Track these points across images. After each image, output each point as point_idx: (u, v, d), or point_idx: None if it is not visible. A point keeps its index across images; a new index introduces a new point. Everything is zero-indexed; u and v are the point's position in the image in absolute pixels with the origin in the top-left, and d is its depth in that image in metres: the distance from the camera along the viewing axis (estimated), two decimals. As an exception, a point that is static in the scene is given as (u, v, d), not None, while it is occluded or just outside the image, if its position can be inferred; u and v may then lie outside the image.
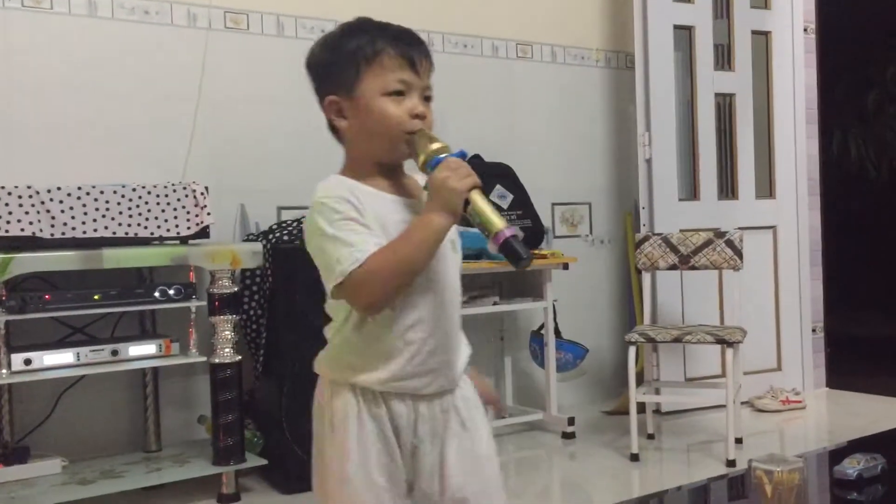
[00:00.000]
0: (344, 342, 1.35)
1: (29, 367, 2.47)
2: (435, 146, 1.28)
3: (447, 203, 1.24)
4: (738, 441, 3.20)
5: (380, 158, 1.35)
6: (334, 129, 1.40)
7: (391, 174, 1.36)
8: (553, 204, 4.01)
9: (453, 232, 1.35)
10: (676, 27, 3.90)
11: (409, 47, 1.33)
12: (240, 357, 2.72)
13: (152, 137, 3.02)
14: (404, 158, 1.34)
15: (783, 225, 4.13)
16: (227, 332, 2.69)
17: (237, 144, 3.17)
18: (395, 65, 1.31)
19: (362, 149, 1.36)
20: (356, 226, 1.25)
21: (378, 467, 1.32)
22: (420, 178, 1.35)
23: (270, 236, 2.95)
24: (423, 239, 1.24)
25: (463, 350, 1.39)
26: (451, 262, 1.35)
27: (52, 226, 2.47)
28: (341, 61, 1.34)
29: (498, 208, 1.33)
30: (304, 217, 3.19)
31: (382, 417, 1.32)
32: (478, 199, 1.23)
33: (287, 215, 3.18)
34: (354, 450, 1.32)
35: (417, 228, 1.25)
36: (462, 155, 1.27)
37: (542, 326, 3.60)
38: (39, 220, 2.45)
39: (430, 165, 1.27)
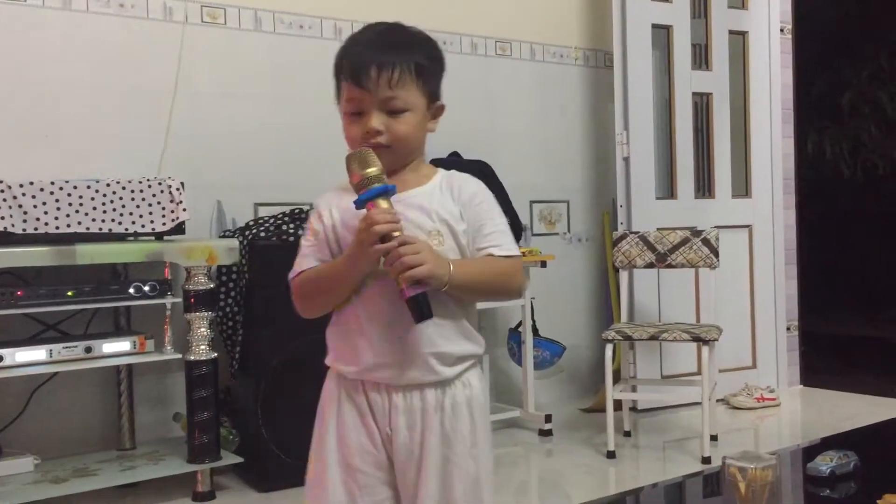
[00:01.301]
0: (329, 333, 1.42)
1: (1, 364, 2.44)
2: (371, 170, 1.27)
3: (353, 258, 1.31)
4: (714, 438, 3.22)
5: None
6: None
7: (390, 176, 1.34)
8: (531, 201, 4.02)
9: (435, 225, 1.35)
10: (654, 26, 3.92)
11: (361, 63, 1.32)
12: (215, 354, 2.70)
13: (127, 132, 2.99)
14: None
15: (759, 224, 4.16)
16: (202, 329, 2.67)
17: (214, 140, 3.14)
18: (347, 86, 1.35)
19: None
20: (313, 240, 1.40)
21: (357, 451, 1.36)
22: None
23: (247, 233, 2.93)
24: (330, 278, 1.36)
25: (450, 343, 1.36)
26: None
27: (25, 221, 2.44)
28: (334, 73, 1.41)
29: None
30: (281, 213, 3.18)
31: (362, 404, 1.37)
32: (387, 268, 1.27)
33: (264, 212, 3.16)
34: (333, 433, 1.37)
35: (330, 268, 1.36)
36: (386, 190, 1.28)
37: (519, 324, 3.61)
38: (11, 216, 2.42)
39: (359, 198, 1.28)
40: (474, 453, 1.38)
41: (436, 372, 1.35)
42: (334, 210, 1.39)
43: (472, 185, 1.42)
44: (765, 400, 3.84)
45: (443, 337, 1.35)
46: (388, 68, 1.32)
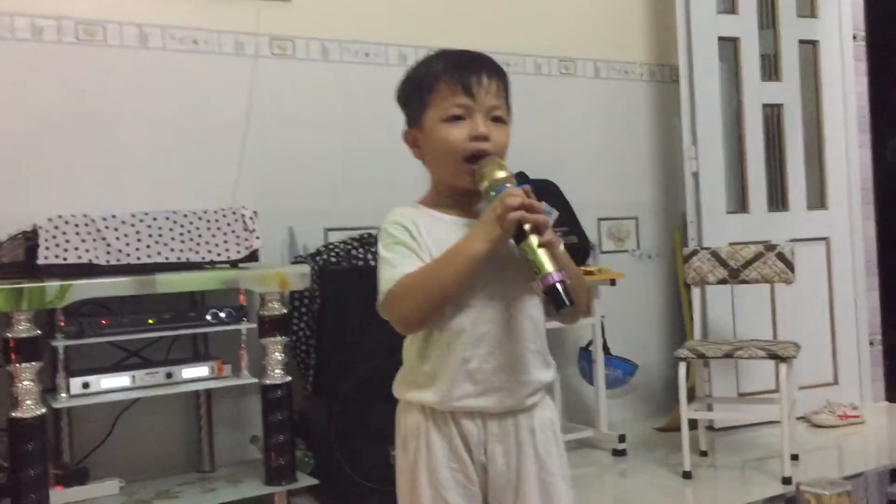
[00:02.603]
0: (411, 361, 1.37)
1: (87, 391, 2.53)
2: (500, 175, 1.28)
3: (487, 232, 1.25)
4: (794, 458, 3.13)
5: (448, 184, 1.37)
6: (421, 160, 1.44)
7: (466, 200, 1.38)
8: (599, 219, 3.99)
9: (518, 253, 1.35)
10: (721, 39, 3.87)
11: (466, 71, 1.34)
12: (290, 378, 2.75)
13: (202, 164, 3.09)
14: (468, 184, 1.34)
15: (836, 236, 4.05)
16: (277, 354, 2.72)
17: (284, 168, 3.22)
18: (451, 92, 1.34)
19: (434, 176, 1.41)
20: (404, 249, 1.31)
21: (451, 485, 1.33)
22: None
23: (318, 258, 2.99)
24: (456, 262, 1.26)
25: (539, 371, 1.37)
26: (522, 285, 1.35)
27: (108, 252, 2.53)
28: (412, 93, 1.40)
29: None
30: (350, 238, 3.23)
31: (452, 435, 1.33)
32: (533, 239, 1.24)
33: (334, 237, 3.22)
34: (423, 469, 1.34)
35: (453, 252, 1.27)
36: (525, 187, 1.27)
37: (590, 343, 3.58)
38: (95, 248, 2.51)
39: (494, 192, 1.27)
40: (564, 474, 1.40)
41: (527, 400, 1.36)
42: (420, 225, 1.34)
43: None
44: (848, 417, 3.72)
45: (535, 365, 1.36)
46: (494, 79, 1.36)
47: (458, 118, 1.33)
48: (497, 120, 1.36)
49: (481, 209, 1.35)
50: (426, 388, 1.34)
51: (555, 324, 3.44)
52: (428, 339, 1.34)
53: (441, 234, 1.33)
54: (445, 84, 1.34)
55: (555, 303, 1.22)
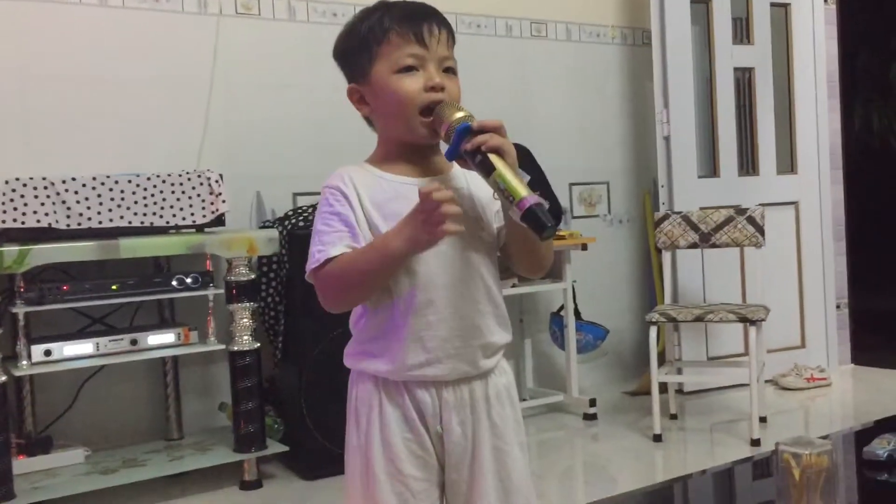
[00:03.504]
0: (360, 331, 1.33)
1: (49, 358, 2.48)
2: (458, 115, 1.23)
3: (412, 233, 1.18)
4: (763, 420, 3.17)
5: (401, 139, 1.31)
6: (366, 119, 1.38)
7: (418, 155, 1.32)
8: (570, 184, 3.97)
9: (477, 211, 1.30)
10: (693, 1, 3.83)
11: (417, 21, 1.28)
12: (258, 344, 2.72)
13: (166, 126, 3.01)
14: (423, 139, 1.29)
15: (805, 200, 4.07)
16: (245, 320, 2.68)
17: (251, 131, 3.15)
18: (403, 41, 1.28)
19: (385, 132, 1.35)
20: (338, 223, 1.26)
21: (406, 457, 1.29)
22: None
23: (286, 222, 2.94)
24: (374, 259, 1.22)
25: (493, 335, 1.33)
26: (470, 242, 1.30)
27: (68, 217, 2.46)
28: (356, 47, 1.32)
29: None
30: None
31: (406, 405, 1.28)
32: (501, 166, 1.19)
33: (302, 201, 3.17)
34: (377, 441, 1.29)
35: (375, 247, 1.23)
36: (467, 128, 1.21)
37: (561, 308, 3.57)
38: (55, 212, 2.45)
39: (454, 134, 1.22)
40: (520, 440, 1.36)
41: (481, 364, 1.31)
42: (360, 187, 1.29)
43: None
44: (815, 380, 3.77)
45: (489, 328, 1.32)
46: (444, 29, 1.30)
47: (410, 69, 1.27)
48: (448, 70, 1.30)
49: (438, 162, 1.32)
50: (377, 358, 1.29)
51: (527, 289, 3.45)
52: (376, 306, 1.29)
53: (382, 196, 1.28)
54: (396, 34, 1.28)
55: (535, 226, 1.16)
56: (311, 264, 1.26)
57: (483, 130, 1.21)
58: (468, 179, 1.32)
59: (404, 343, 1.27)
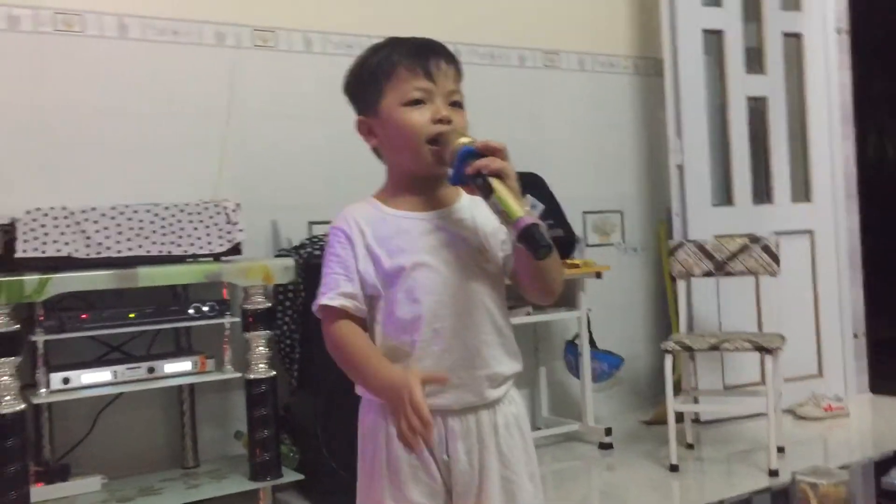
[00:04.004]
0: None
1: (67, 386, 2.49)
2: (463, 140, 1.26)
3: (389, 396, 1.26)
4: (780, 450, 3.14)
5: (409, 170, 1.35)
6: (374, 151, 1.42)
7: (425, 187, 1.35)
8: (584, 212, 3.98)
9: (480, 241, 1.33)
10: (705, 31, 3.87)
11: (425, 56, 1.33)
12: (274, 372, 2.73)
13: (184, 156, 3.05)
14: (429, 168, 1.32)
15: (821, 229, 4.06)
16: (261, 348, 2.69)
17: (267, 161, 3.19)
18: (411, 75, 1.32)
19: (393, 163, 1.38)
20: (338, 267, 1.32)
21: (413, 484, 1.30)
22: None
23: (302, 251, 2.96)
24: (359, 372, 1.32)
25: (500, 364, 1.34)
26: (475, 273, 1.32)
27: (88, 246, 2.49)
28: (365, 81, 1.37)
29: None
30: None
31: None
32: (500, 188, 1.21)
33: (318, 230, 3.19)
34: (384, 468, 1.31)
35: (363, 364, 1.30)
36: (470, 152, 1.24)
37: (576, 336, 3.57)
38: (75, 241, 2.48)
39: (457, 157, 1.25)
40: (531, 471, 1.36)
41: (487, 394, 1.33)
42: (364, 225, 1.34)
43: None
44: (833, 409, 3.73)
45: (495, 358, 1.33)
46: (451, 64, 1.35)
47: (418, 102, 1.31)
48: (455, 104, 1.34)
49: (445, 195, 1.36)
50: None
51: (542, 318, 3.45)
52: (386, 344, 1.32)
53: (385, 232, 1.32)
54: (405, 68, 1.32)
55: (531, 245, 1.17)
56: (314, 305, 1.34)
57: (485, 153, 1.24)
58: (473, 211, 1.35)
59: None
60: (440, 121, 1.30)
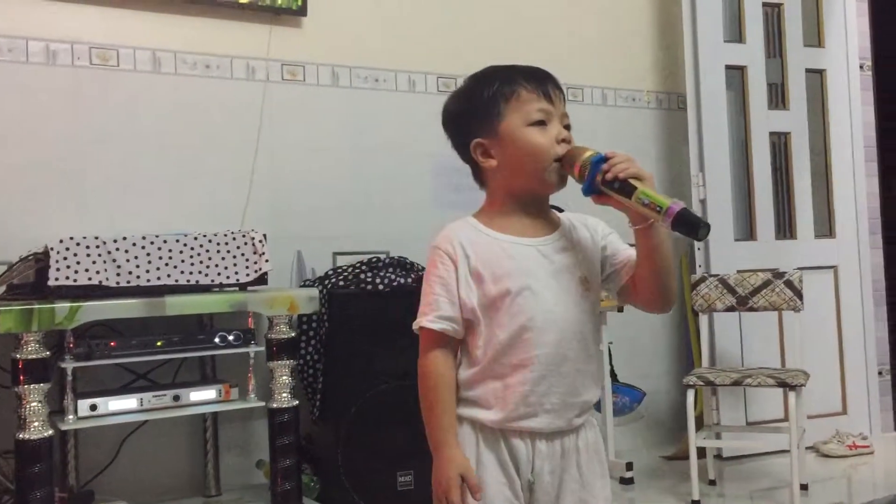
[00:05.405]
0: (464, 379, 1.39)
1: (94, 413, 2.52)
2: (589, 153, 1.33)
3: (437, 474, 1.33)
4: (804, 488, 3.10)
5: (528, 192, 1.39)
6: (477, 173, 1.45)
7: (534, 210, 1.40)
8: (607, 246, 3.98)
9: (583, 273, 1.38)
10: (728, 67, 3.89)
11: (543, 80, 1.39)
12: (297, 402, 2.74)
13: (213, 187, 3.10)
14: (552, 188, 1.38)
15: (844, 265, 4.04)
16: (284, 377, 2.72)
17: (294, 192, 3.24)
18: (533, 97, 1.37)
19: (509, 185, 1.41)
20: (439, 287, 1.36)
21: (501, 498, 1.34)
22: (573, 216, 1.44)
23: (326, 282, 2.99)
24: (427, 420, 1.37)
25: (588, 392, 1.39)
26: (576, 302, 1.37)
27: (118, 274, 2.54)
28: (481, 105, 1.40)
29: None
30: (359, 262, 3.22)
31: (501, 450, 1.35)
32: (641, 185, 1.27)
33: (342, 261, 3.22)
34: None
35: (434, 418, 1.36)
36: (601, 159, 1.31)
37: (597, 370, 3.56)
38: (106, 270, 2.52)
39: (590, 166, 1.30)
40: (606, 496, 1.40)
41: (574, 421, 1.37)
42: (469, 248, 1.37)
43: (595, 220, 1.49)
44: (857, 447, 3.69)
45: (585, 386, 1.38)
46: (562, 90, 1.42)
47: (540, 123, 1.37)
48: (567, 127, 1.40)
49: (549, 221, 1.42)
50: (481, 408, 1.36)
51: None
52: (484, 365, 1.36)
53: (489, 255, 1.36)
54: (525, 90, 1.38)
55: (690, 226, 1.22)
56: (414, 324, 1.39)
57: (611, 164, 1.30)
58: (573, 235, 1.41)
59: (506, 396, 1.33)
60: (564, 140, 1.36)
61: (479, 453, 1.35)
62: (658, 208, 1.24)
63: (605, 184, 1.30)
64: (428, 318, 1.36)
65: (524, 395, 1.33)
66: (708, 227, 1.23)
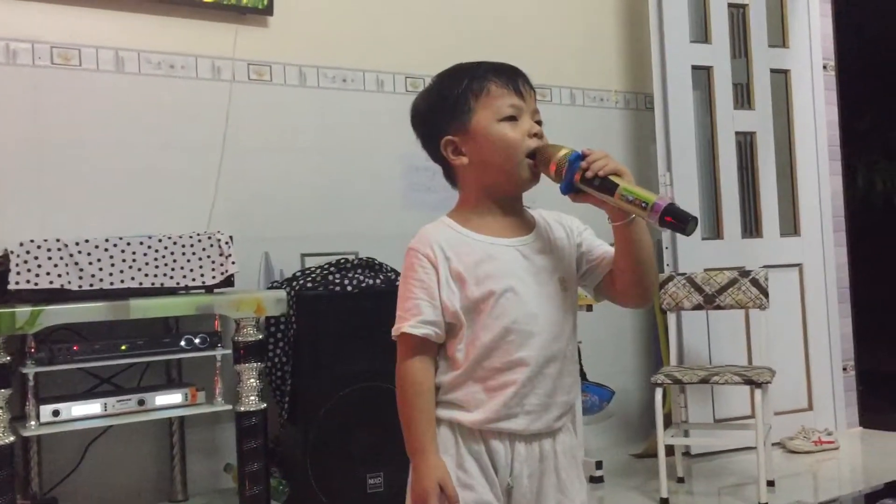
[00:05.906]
0: (444, 383, 1.37)
1: (57, 419, 2.49)
2: (564, 151, 1.31)
3: (416, 482, 1.32)
4: (770, 484, 3.14)
5: (500, 189, 1.38)
6: (448, 172, 1.43)
7: (508, 209, 1.39)
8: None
9: (561, 274, 1.37)
10: (694, 67, 3.92)
11: (513, 76, 1.38)
12: (265, 405, 2.72)
13: (178, 188, 3.07)
14: (525, 184, 1.37)
15: (809, 262, 4.09)
16: (252, 380, 2.69)
17: (261, 193, 3.21)
18: (503, 92, 1.36)
19: (482, 182, 1.39)
20: (422, 293, 1.33)
21: (482, 500, 1.33)
22: (547, 213, 1.43)
23: (294, 283, 2.97)
24: (406, 425, 1.34)
25: (568, 393, 1.38)
26: (557, 303, 1.37)
27: (80, 277, 2.50)
28: (451, 102, 1.38)
29: None
30: (327, 264, 3.19)
31: (481, 452, 1.34)
32: (623, 181, 1.25)
33: (310, 262, 3.20)
34: (454, 481, 1.33)
35: (413, 425, 1.33)
36: (579, 157, 1.30)
37: (567, 369, 3.57)
38: (68, 273, 2.48)
39: (567, 165, 1.28)
40: (582, 499, 1.40)
41: (554, 424, 1.36)
42: (448, 250, 1.35)
43: (570, 217, 1.48)
44: (823, 443, 3.74)
45: (563, 386, 1.37)
46: (531, 85, 1.41)
47: (511, 118, 1.36)
48: (539, 123, 1.40)
49: (524, 220, 1.40)
50: (461, 410, 1.34)
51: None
52: (466, 368, 1.34)
53: (472, 256, 1.34)
54: (496, 86, 1.36)
55: (677, 222, 1.19)
56: (397, 326, 1.35)
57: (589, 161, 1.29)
58: (549, 234, 1.40)
59: (488, 398, 1.32)
60: (535, 135, 1.36)
61: (461, 456, 1.33)
62: (643, 204, 1.22)
63: (585, 182, 1.28)
64: (409, 324, 1.33)
65: (507, 396, 1.32)
66: (696, 221, 1.21)
